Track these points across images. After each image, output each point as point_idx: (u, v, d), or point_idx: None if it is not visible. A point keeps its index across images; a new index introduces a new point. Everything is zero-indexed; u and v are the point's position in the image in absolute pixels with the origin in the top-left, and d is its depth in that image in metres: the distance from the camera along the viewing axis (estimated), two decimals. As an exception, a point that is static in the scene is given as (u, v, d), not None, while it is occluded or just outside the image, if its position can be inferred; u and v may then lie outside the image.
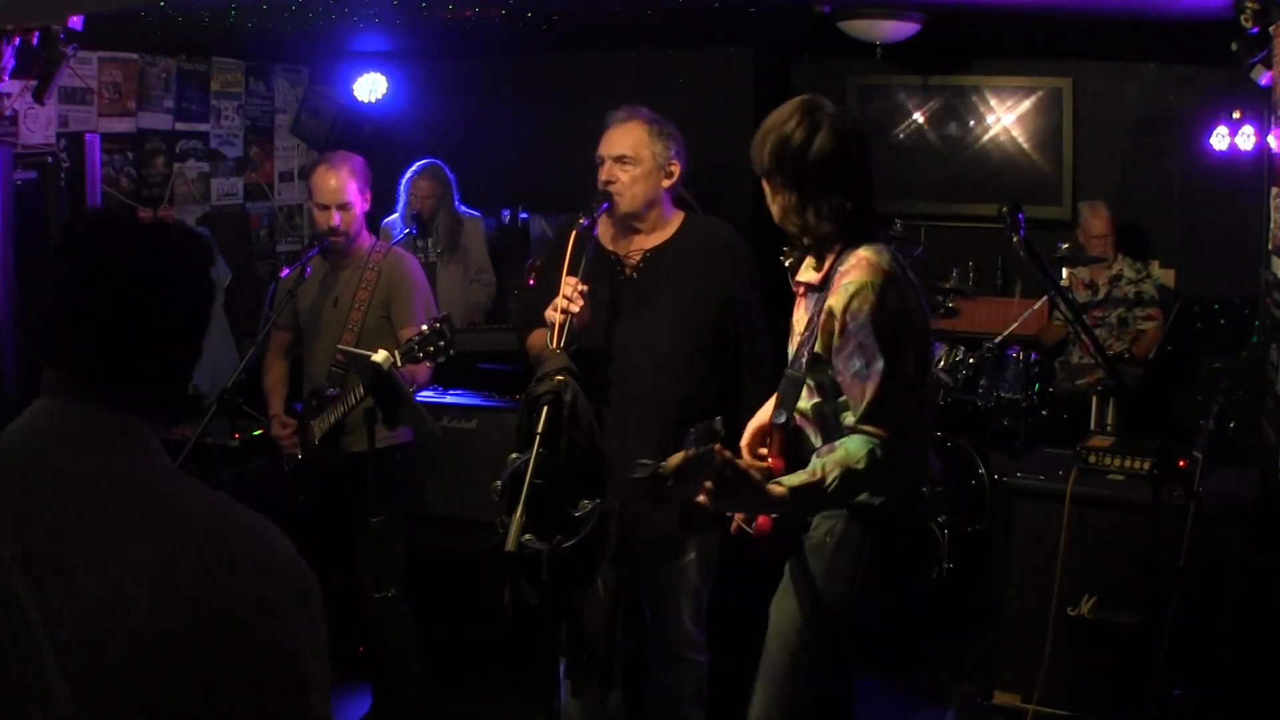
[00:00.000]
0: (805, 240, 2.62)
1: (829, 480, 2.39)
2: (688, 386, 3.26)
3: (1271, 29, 3.86)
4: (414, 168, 5.55)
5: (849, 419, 2.53)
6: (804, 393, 2.61)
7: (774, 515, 2.58)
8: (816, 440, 2.63)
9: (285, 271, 4.06)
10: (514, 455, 2.82)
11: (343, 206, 3.87)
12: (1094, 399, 5.17)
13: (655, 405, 3.24)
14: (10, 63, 4.33)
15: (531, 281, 3.86)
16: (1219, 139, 5.62)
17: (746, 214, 4.21)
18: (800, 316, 2.68)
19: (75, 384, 1.34)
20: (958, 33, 5.74)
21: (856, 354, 2.45)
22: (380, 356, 3.40)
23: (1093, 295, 5.78)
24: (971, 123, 6.39)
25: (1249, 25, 3.82)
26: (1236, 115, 5.52)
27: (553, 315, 3.04)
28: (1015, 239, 2.75)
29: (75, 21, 4.14)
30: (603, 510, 2.91)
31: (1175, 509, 3.07)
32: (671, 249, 3.33)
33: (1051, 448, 4.36)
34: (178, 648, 1.21)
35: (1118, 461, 3.85)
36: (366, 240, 4.01)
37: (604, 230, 3.35)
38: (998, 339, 5.48)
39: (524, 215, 6.30)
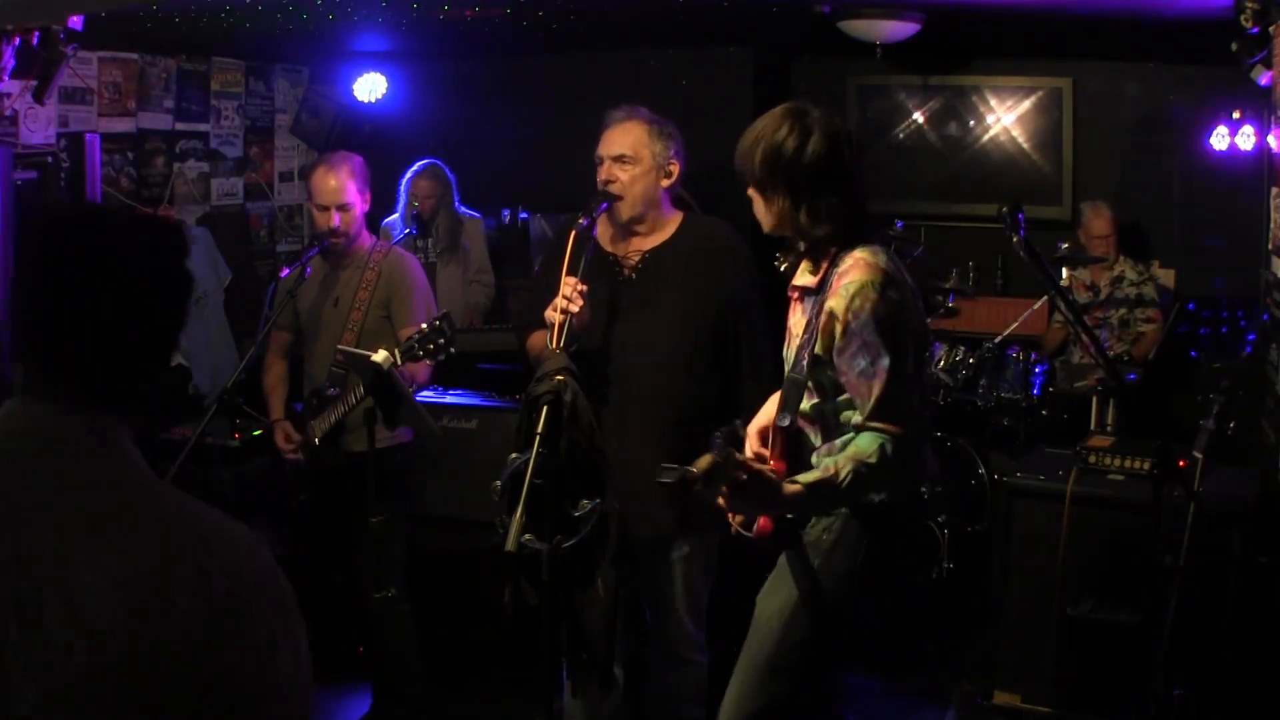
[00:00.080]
0: (801, 245, 2.64)
1: (842, 476, 2.40)
2: (687, 386, 3.26)
3: (1271, 29, 3.86)
4: (414, 168, 5.55)
5: (853, 418, 2.55)
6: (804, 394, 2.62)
7: (776, 516, 2.59)
8: (817, 440, 2.65)
9: (285, 271, 4.07)
10: (514, 455, 2.82)
11: (342, 207, 3.87)
12: (1094, 399, 5.17)
13: (655, 405, 3.24)
14: (10, 63, 4.33)
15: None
16: (1219, 139, 5.62)
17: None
18: (798, 320, 2.69)
19: (45, 383, 1.29)
20: (958, 33, 5.74)
21: (861, 353, 2.47)
22: (380, 356, 3.40)
23: (1094, 297, 5.78)
24: (971, 123, 6.39)
25: (1249, 25, 3.81)
26: (1236, 115, 5.52)
27: (552, 315, 3.05)
28: (1015, 239, 2.75)
29: (75, 21, 4.14)
30: (603, 510, 2.91)
31: (1175, 509, 3.07)
32: (670, 249, 3.33)
33: (1051, 448, 4.36)
34: (149, 659, 1.17)
35: (1118, 461, 3.85)
36: (367, 240, 4.01)
37: (602, 231, 3.35)
38: (998, 339, 5.48)
39: (524, 215, 6.30)
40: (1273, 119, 4.28)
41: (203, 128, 6.06)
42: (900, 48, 5.36)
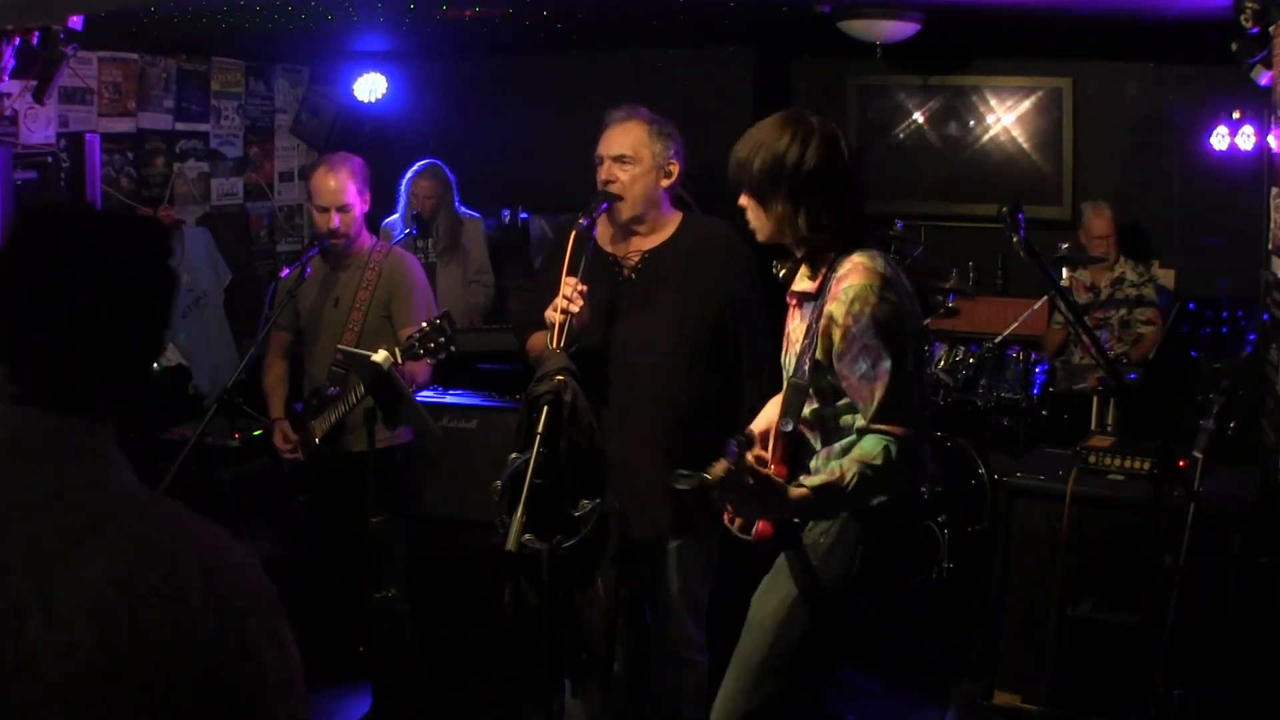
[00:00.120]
0: (800, 251, 2.64)
1: (848, 479, 2.41)
2: (687, 386, 3.26)
3: (1271, 29, 3.86)
4: (414, 168, 5.55)
5: (855, 421, 2.56)
6: None
7: (777, 519, 2.59)
8: (817, 445, 2.66)
9: (285, 271, 4.07)
10: (514, 455, 2.83)
11: (342, 208, 3.87)
12: (1094, 399, 5.17)
13: (655, 405, 3.24)
14: (10, 63, 4.33)
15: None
16: (1219, 139, 5.62)
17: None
18: (797, 326, 2.70)
19: (25, 387, 1.25)
20: (958, 33, 5.74)
21: (862, 356, 2.47)
22: (380, 356, 3.40)
23: (1094, 297, 5.78)
24: (971, 123, 6.39)
25: (1249, 25, 3.81)
26: (1236, 115, 5.52)
27: (553, 315, 3.05)
28: (1015, 239, 2.76)
29: (75, 21, 4.14)
30: (603, 510, 2.91)
31: (1175, 509, 3.07)
32: (670, 249, 3.33)
33: (1051, 448, 4.36)
34: (128, 670, 1.14)
35: (1118, 461, 3.85)
36: (367, 240, 4.01)
37: (602, 231, 3.35)
38: (998, 339, 5.48)
39: (524, 215, 6.30)
40: (1273, 119, 4.28)
41: (203, 128, 6.06)
42: (900, 48, 5.36)
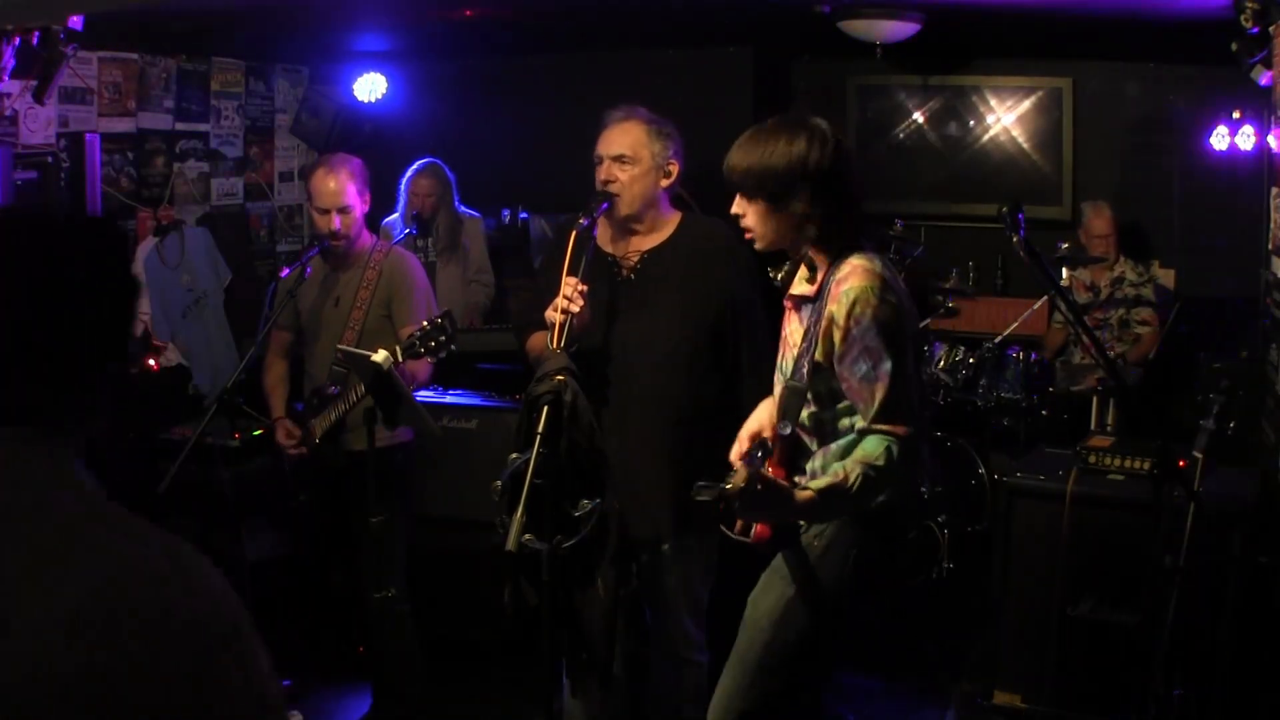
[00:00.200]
0: (804, 253, 2.64)
1: (852, 480, 2.42)
2: (687, 386, 3.26)
3: (1271, 29, 3.86)
4: (414, 167, 5.55)
5: (855, 423, 2.56)
6: None
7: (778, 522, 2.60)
8: (813, 447, 2.66)
9: (285, 271, 4.07)
10: (514, 455, 2.82)
11: (343, 210, 3.87)
12: (1094, 399, 5.17)
13: (655, 405, 3.24)
14: (10, 63, 4.33)
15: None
16: (1219, 139, 5.61)
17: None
18: (794, 329, 2.70)
19: None
20: (958, 33, 5.74)
21: (862, 357, 2.48)
22: (380, 356, 3.40)
23: (1094, 297, 5.78)
24: (971, 123, 6.39)
25: (1249, 25, 3.82)
26: (1236, 115, 5.51)
27: (553, 315, 3.05)
28: (1015, 239, 2.76)
29: (75, 21, 4.14)
30: (603, 510, 2.91)
31: (1175, 509, 3.07)
32: (669, 249, 3.33)
33: (1051, 448, 4.36)
34: (91, 696, 1.08)
35: (1118, 461, 3.85)
36: (367, 240, 4.01)
37: (601, 231, 3.35)
38: (998, 339, 5.48)
39: (524, 215, 6.30)
40: (1273, 119, 4.28)
41: (203, 128, 6.06)
42: (900, 48, 5.36)
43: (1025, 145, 6.29)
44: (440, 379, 4.47)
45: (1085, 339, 3.61)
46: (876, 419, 2.48)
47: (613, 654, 3.16)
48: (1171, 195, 6.00)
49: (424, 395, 4.24)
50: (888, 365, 2.46)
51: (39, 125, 5.05)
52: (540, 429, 2.77)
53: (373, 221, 4.40)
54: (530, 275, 5.61)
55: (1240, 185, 5.43)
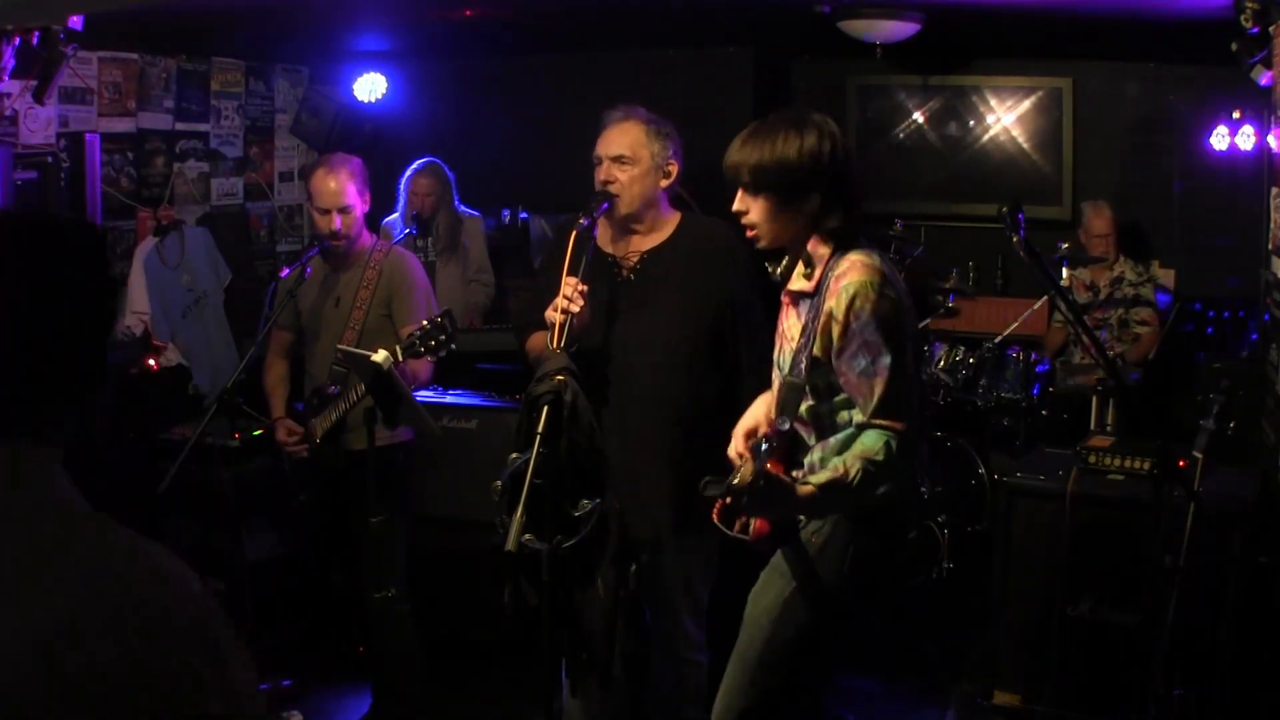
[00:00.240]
0: (804, 248, 2.64)
1: (853, 475, 2.42)
2: (687, 386, 3.26)
3: (1271, 29, 3.86)
4: (414, 166, 5.55)
5: (853, 416, 2.56)
6: None
7: (776, 519, 2.59)
8: (811, 442, 2.66)
9: (285, 271, 4.07)
10: (514, 455, 2.82)
11: (343, 210, 3.87)
12: (1094, 399, 5.17)
13: (655, 405, 3.24)
14: (10, 63, 4.33)
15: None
16: (1219, 139, 5.62)
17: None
18: (791, 324, 2.69)
19: None
20: (958, 33, 5.74)
21: (861, 352, 2.48)
22: (380, 356, 3.40)
23: (1094, 297, 5.78)
24: (971, 123, 6.39)
25: (1249, 25, 3.81)
26: (1236, 115, 5.52)
27: (553, 315, 3.04)
28: (1015, 239, 2.76)
29: (75, 21, 4.14)
30: (603, 510, 2.91)
31: (1175, 509, 3.07)
32: (669, 249, 3.33)
33: (1051, 448, 4.36)
34: (72, 711, 1.06)
35: (1118, 461, 3.85)
36: (367, 240, 4.01)
37: (601, 231, 3.35)
38: (998, 339, 5.48)
39: (524, 215, 6.30)
40: (1273, 119, 4.28)
41: (203, 128, 6.06)
42: (900, 48, 5.36)
43: (1025, 145, 6.29)
44: (440, 379, 4.47)
45: (1085, 339, 3.61)
46: (875, 414, 2.48)
47: (613, 654, 3.16)
48: (1171, 195, 6.00)
49: (424, 395, 4.24)
50: (887, 360, 2.46)
51: (39, 125, 5.05)
52: (540, 429, 2.77)
53: (373, 221, 4.40)
54: (530, 275, 5.61)
55: (1240, 185, 5.43)
